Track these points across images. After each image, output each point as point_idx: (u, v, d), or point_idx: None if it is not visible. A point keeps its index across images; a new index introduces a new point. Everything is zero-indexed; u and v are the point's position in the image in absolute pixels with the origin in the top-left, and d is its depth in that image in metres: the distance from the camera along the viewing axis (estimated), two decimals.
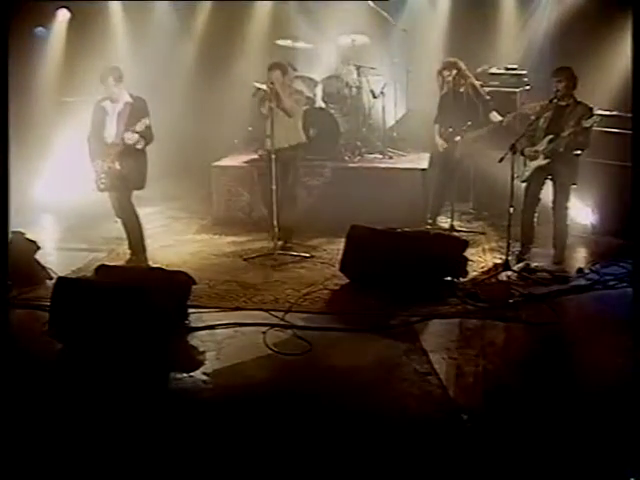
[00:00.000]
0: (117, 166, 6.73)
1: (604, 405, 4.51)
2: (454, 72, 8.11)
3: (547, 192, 7.09)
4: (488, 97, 8.32)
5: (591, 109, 6.80)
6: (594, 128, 6.83)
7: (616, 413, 4.38)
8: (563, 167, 6.87)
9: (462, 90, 8.15)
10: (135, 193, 7.05)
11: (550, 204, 7.05)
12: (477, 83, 8.33)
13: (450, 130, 8.14)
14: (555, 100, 6.82)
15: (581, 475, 3.93)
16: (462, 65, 8.19)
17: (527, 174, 6.97)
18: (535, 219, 7.15)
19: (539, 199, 7.09)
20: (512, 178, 6.77)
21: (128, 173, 6.78)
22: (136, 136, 6.62)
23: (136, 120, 6.63)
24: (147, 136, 6.73)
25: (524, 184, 7.08)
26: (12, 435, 4.15)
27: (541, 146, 6.87)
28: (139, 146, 6.68)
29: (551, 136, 6.83)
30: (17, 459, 4.01)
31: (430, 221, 8.37)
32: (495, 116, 8.12)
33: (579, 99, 6.87)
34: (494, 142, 7.67)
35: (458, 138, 8.08)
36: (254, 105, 8.19)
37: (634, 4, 5.74)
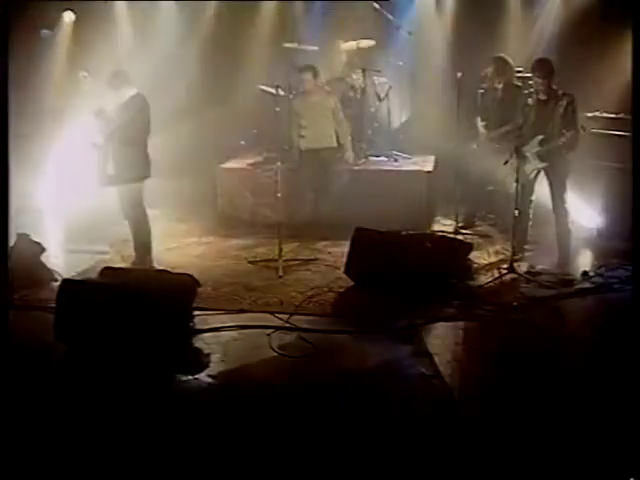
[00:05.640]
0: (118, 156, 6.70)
1: (604, 405, 4.51)
2: (491, 69, 7.97)
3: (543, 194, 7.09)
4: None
5: (572, 95, 6.73)
6: (599, 131, 6.79)
7: (616, 413, 4.37)
8: (556, 163, 6.84)
9: (499, 87, 7.98)
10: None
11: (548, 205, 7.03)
12: (518, 83, 8.04)
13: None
14: (535, 95, 6.77)
15: (581, 475, 3.93)
16: (503, 62, 7.97)
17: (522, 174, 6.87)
18: (530, 222, 7.15)
19: (532, 197, 7.06)
20: (517, 181, 6.76)
21: (130, 163, 6.74)
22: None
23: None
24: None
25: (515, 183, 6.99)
26: (14, 438, 4.16)
27: (532, 148, 6.82)
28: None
29: (540, 137, 6.78)
30: (18, 461, 4.01)
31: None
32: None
33: (559, 90, 6.79)
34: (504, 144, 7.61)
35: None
36: (262, 107, 8.19)
37: (634, 6, 5.74)
